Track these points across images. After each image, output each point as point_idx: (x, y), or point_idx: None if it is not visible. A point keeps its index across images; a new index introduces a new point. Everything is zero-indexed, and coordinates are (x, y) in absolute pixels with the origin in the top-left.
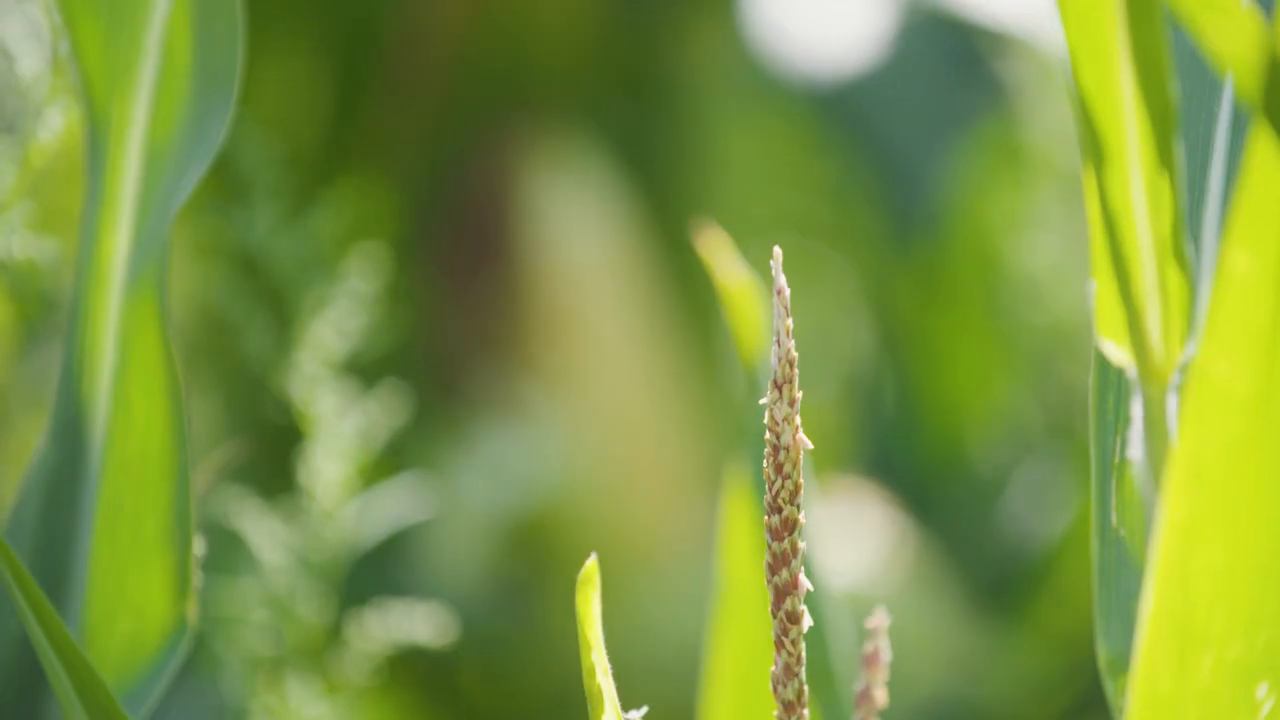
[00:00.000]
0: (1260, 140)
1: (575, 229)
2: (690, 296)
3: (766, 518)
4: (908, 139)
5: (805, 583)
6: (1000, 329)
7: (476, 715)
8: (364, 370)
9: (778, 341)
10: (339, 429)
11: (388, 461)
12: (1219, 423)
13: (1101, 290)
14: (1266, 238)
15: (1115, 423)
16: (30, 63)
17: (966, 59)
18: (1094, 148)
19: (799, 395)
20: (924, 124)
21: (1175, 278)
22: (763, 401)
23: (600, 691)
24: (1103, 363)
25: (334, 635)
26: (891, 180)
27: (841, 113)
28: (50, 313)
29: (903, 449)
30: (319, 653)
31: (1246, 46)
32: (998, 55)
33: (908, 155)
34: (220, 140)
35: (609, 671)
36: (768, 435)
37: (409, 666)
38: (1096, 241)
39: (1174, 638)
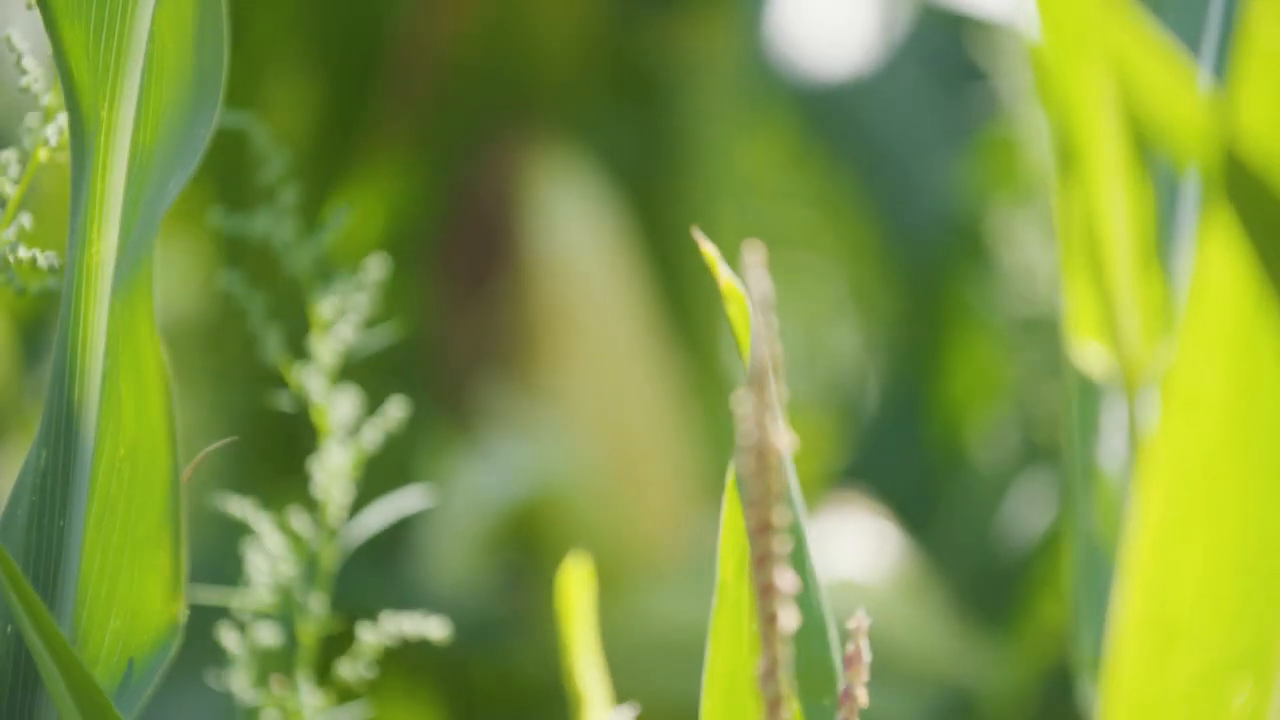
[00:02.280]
0: (1220, 214)
1: (577, 234)
2: (693, 301)
3: (746, 519)
4: (908, 142)
5: (788, 584)
6: (1001, 331)
7: (480, 713)
8: (367, 374)
9: (755, 343)
10: (343, 431)
11: (391, 464)
12: (1196, 422)
13: (1076, 292)
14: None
15: (1091, 425)
16: (37, 68)
17: (966, 62)
18: (1069, 150)
19: (779, 395)
20: (924, 127)
21: (1150, 279)
22: (738, 402)
23: (583, 694)
24: (1077, 365)
25: (339, 633)
26: (891, 183)
27: (841, 116)
28: (51, 316)
29: (899, 456)
30: (325, 650)
31: (1205, 140)
32: (998, 58)
33: (908, 158)
34: (205, 145)
35: (597, 672)
36: (743, 436)
37: (412, 666)
38: (1070, 244)
39: (1152, 639)
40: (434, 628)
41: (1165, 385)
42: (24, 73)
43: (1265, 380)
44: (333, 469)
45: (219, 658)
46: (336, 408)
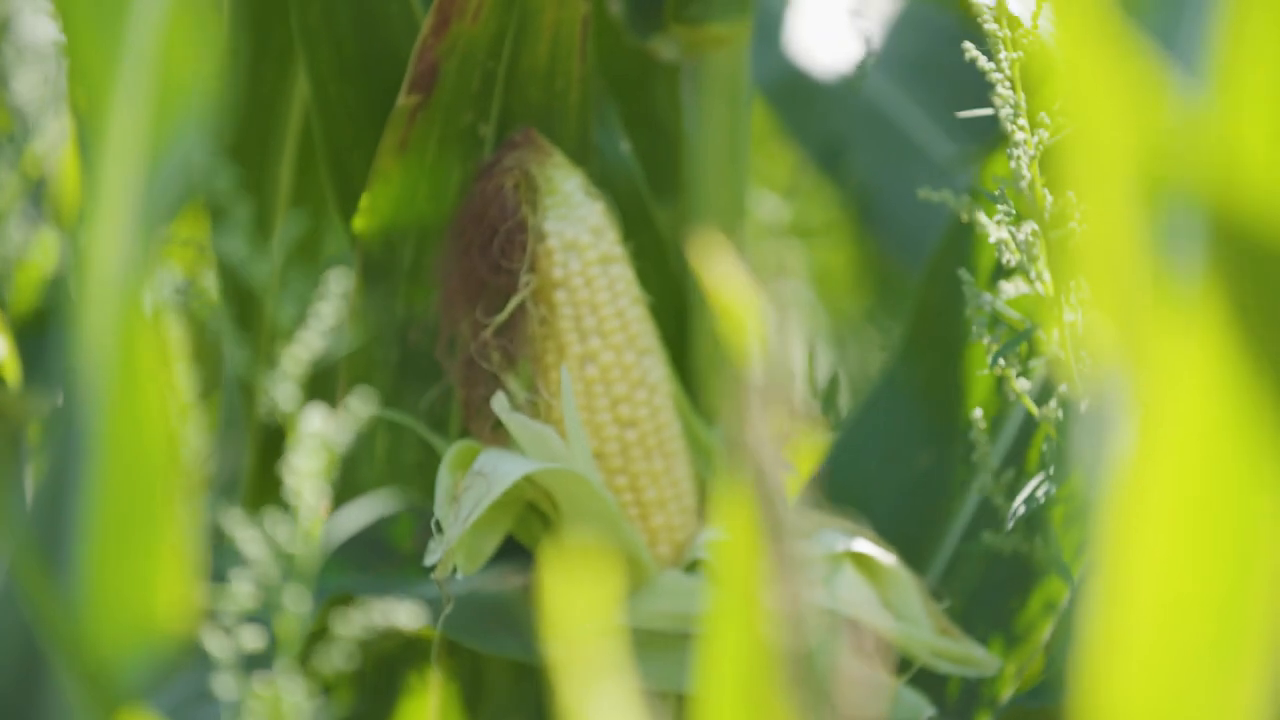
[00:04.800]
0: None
1: (586, 238)
2: (688, 315)
3: (760, 539)
4: (909, 157)
5: (802, 594)
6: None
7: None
8: (368, 369)
9: (758, 369)
10: (326, 434)
11: (392, 458)
12: (1185, 409)
13: (1075, 296)
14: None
15: (1085, 435)
16: (37, 71)
17: (970, 75)
18: (1075, 159)
19: (782, 417)
20: (928, 141)
21: (1150, 277)
22: (736, 414)
23: (579, 672)
24: (1065, 352)
25: (322, 628)
26: (893, 204)
27: (841, 132)
28: (55, 317)
29: (890, 475)
30: (308, 645)
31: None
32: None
33: (909, 176)
34: (204, 149)
35: (598, 652)
36: (742, 446)
37: (420, 652)
38: (1071, 254)
39: (1143, 625)
40: (422, 617)
41: (1155, 370)
42: (31, 77)
43: (1249, 380)
44: (303, 471)
45: (204, 655)
46: (317, 410)
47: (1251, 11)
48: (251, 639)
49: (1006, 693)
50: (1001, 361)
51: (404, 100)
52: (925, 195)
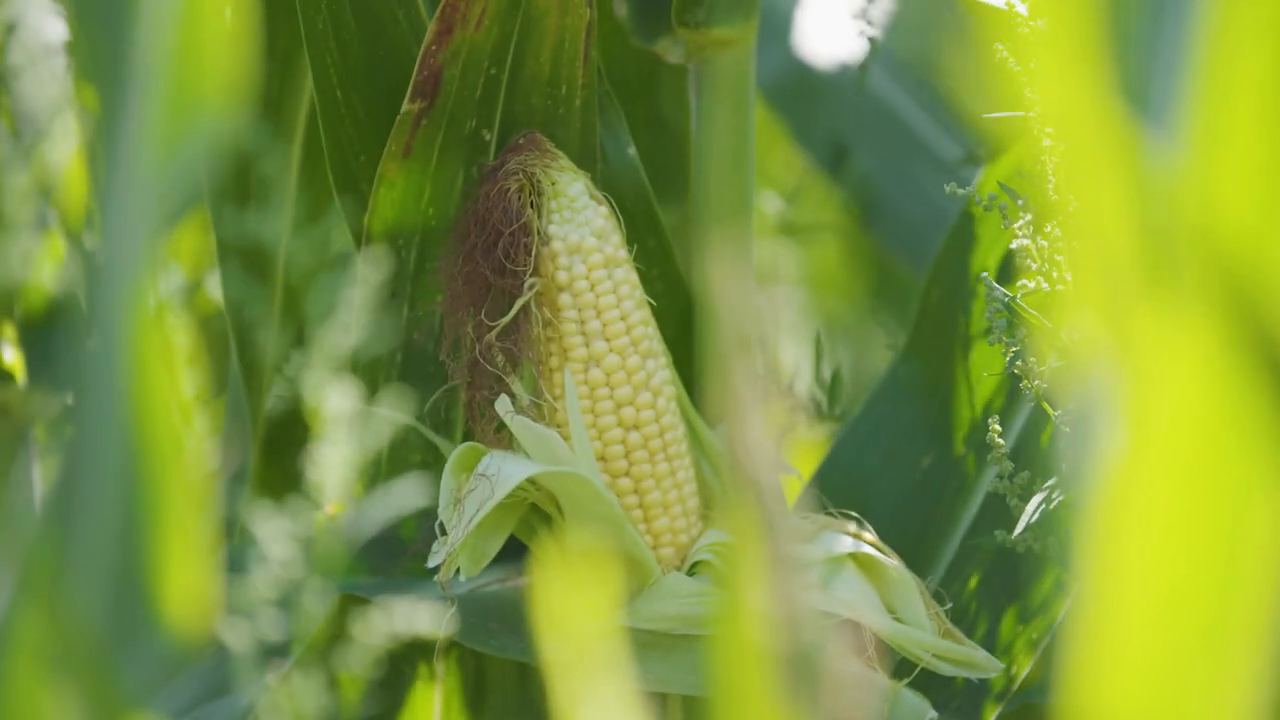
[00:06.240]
0: None
1: (590, 241)
2: (689, 321)
3: (757, 544)
4: (911, 161)
5: (801, 604)
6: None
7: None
8: (372, 370)
9: (758, 370)
10: (347, 427)
11: (396, 459)
12: (1174, 403)
13: (1074, 295)
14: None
15: (1083, 434)
16: (45, 71)
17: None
18: (1067, 161)
19: (782, 418)
20: (929, 145)
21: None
22: (734, 422)
23: (582, 673)
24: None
25: (339, 627)
26: (897, 205)
27: (844, 135)
28: (63, 317)
29: (892, 480)
30: (325, 644)
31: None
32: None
33: (912, 180)
34: (222, 146)
35: (600, 653)
36: (741, 465)
37: (424, 651)
38: (1070, 250)
39: (1134, 618)
40: (440, 620)
41: (1147, 363)
42: (41, 74)
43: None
44: (327, 464)
45: (223, 652)
46: (341, 404)
47: (1231, 59)
48: (268, 633)
49: (1012, 689)
50: (1020, 361)
51: (408, 106)
52: (951, 191)
